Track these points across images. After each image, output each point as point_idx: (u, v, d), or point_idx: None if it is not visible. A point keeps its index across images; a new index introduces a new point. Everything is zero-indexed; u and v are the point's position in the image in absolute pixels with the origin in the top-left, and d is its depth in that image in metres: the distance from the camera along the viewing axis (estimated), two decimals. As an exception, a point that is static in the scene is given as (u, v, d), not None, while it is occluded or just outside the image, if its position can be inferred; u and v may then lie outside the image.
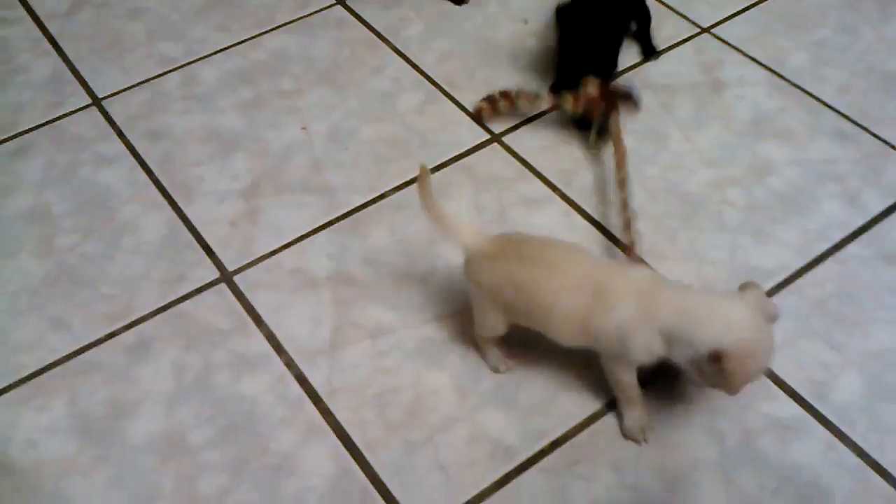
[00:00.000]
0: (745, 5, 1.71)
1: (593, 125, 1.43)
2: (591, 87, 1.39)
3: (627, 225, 1.28)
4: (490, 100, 1.49)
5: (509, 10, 1.71)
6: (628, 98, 1.40)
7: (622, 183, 1.32)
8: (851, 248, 1.32)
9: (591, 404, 1.14)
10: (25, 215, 1.37)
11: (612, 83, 1.43)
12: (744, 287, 1.02)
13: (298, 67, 1.60)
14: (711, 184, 1.40)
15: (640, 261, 1.26)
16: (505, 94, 1.48)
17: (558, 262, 1.06)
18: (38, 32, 1.67)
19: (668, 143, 1.47)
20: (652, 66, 1.59)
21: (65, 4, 1.72)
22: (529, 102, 1.47)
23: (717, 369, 0.95)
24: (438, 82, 1.57)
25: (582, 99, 1.39)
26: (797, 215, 1.36)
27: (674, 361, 1.01)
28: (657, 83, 1.56)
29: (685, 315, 0.98)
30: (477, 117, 1.51)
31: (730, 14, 1.69)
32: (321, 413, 1.13)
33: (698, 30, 1.66)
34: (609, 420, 1.13)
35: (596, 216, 1.36)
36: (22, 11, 1.71)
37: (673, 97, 1.54)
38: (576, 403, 1.14)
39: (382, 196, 1.40)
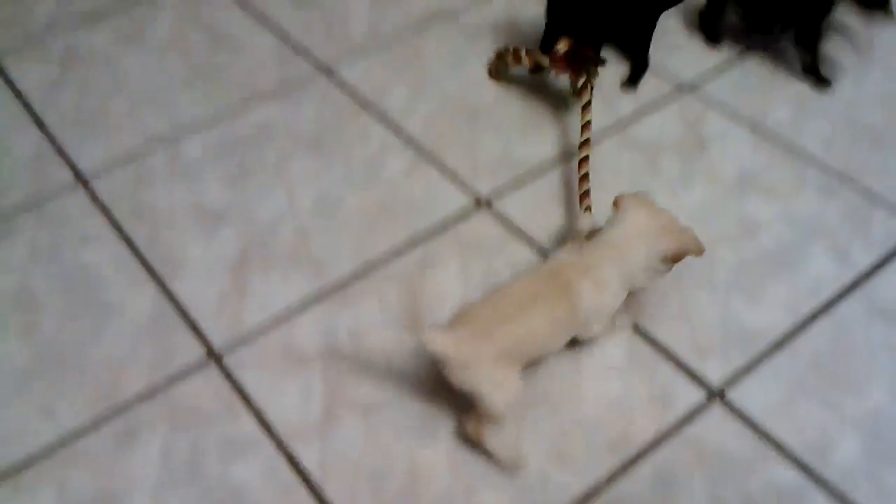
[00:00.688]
0: (725, 62, 1.72)
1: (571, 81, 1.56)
2: (561, 45, 1.50)
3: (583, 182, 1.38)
4: (499, 56, 1.64)
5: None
6: (594, 62, 1.50)
7: (583, 146, 1.42)
8: (843, 305, 1.31)
9: (586, 479, 1.13)
10: (9, 298, 1.35)
11: (584, 47, 1.51)
12: (620, 202, 1.21)
13: (283, 137, 1.60)
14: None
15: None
16: (512, 52, 1.61)
17: (523, 295, 1.13)
18: (20, 109, 1.66)
19: (656, 202, 1.46)
20: (636, 124, 1.60)
21: (49, 80, 1.72)
22: (530, 59, 1.58)
23: (672, 262, 1.20)
24: (423, 146, 1.57)
25: (552, 57, 1.51)
26: (787, 272, 1.36)
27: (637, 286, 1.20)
28: (642, 141, 1.56)
29: (628, 252, 1.18)
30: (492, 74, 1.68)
31: (711, 70, 1.70)
32: (314, 497, 1.11)
33: (680, 89, 1.67)
34: (610, 495, 1.11)
35: (586, 281, 1.35)
36: (5, 89, 1.71)
37: (658, 155, 1.54)
38: (574, 477, 1.12)
39: (371, 266, 1.39)
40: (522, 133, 1.59)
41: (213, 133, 1.61)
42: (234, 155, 1.57)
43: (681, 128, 1.59)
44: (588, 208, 1.35)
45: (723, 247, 1.39)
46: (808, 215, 1.44)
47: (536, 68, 1.59)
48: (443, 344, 1.06)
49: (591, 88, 1.49)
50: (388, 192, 1.50)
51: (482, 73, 1.71)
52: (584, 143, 1.43)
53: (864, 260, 1.37)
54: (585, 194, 1.37)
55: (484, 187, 1.50)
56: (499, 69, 1.68)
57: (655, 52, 1.70)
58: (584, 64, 1.50)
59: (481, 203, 1.48)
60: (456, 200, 1.48)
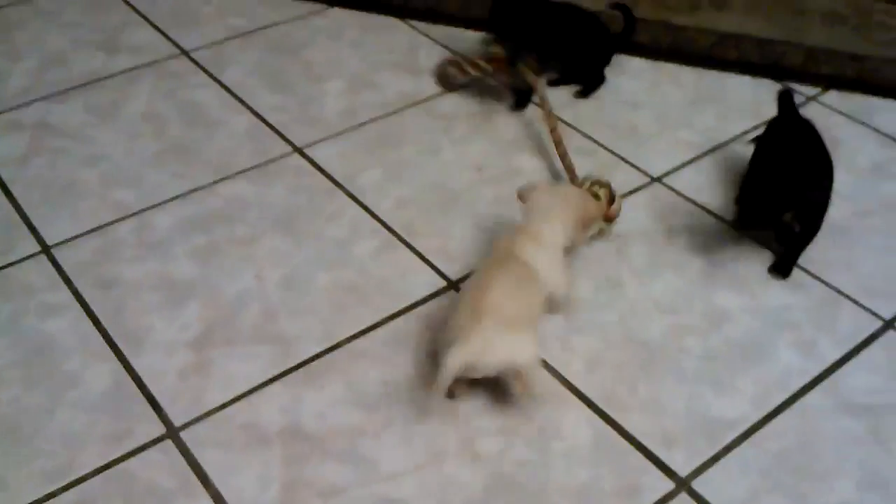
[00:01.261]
0: (693, 156, 1.76)
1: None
2: (496, 48, 1.79)
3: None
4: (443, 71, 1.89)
5: (464, 158, 1.74)
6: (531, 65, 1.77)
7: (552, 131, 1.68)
8: (810, 398, 1.31)
9: (554, 568, 1.10)
10: (-35, 369, 1.32)
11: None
12: (530, 193, 1.40)
13: (254, 214, 1.60)
14: (668, 332, 1.40)
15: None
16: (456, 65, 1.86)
17: (509, 280, 1.27)
18: (-11, 178, 1.65)
19: (625, 290, 1.47)
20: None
21: (20, 150, 1.71)
22: (476, 70, 1.84)
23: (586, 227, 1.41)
24: (395, 229, 1.58)
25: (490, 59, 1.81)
26: (754, 364, 1.36)
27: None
28: (613, 232, 1.58)
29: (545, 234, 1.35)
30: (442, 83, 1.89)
31: (678, 164, 1.74)
32: (270, 582, 1.07)
33: (649, 179, 1.70)
34: (573, 585, 1.08)
35: (556, 366, 1.34)
36: (-26, 157, 1.70)
37: (628, 245, 1.55)
38: (538, 567, 1.10)
39: (338, 345, 1.37)
40: (494, 217, 1.60)
41: (183, 208, 1.60)
42: (204, 230, 1.56)
43: (649, 218, 1.61)
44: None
45: (691, 337, 1.39)
46: (774, 308, 1.45)
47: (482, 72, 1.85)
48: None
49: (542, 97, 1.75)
50: (359, 273, 1.49)
51: (455, 158, 1.74)
52: (559, 146, 1.66)
53: (832, 354, 1.38)
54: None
55: (454, 270, 1.50)
56: (447, 80, 1.91)
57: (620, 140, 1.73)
58: (520, 66, 1.78)
59: (451, 285, 1.47)
60: (426, 282, 1.48)
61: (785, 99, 1.61)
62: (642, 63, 2.03)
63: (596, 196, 1.50)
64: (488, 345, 1.19)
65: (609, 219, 1.53)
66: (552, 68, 1.93)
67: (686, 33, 2.11)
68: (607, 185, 1.54)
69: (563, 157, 1.65)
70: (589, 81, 1.94)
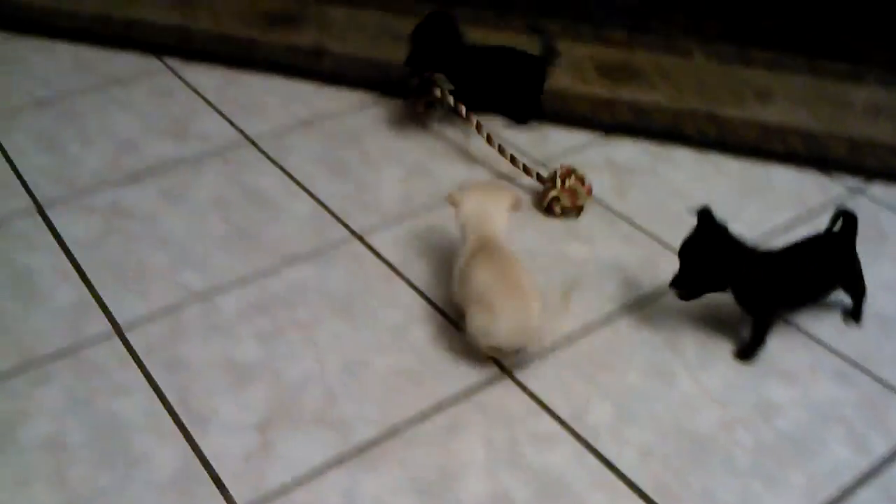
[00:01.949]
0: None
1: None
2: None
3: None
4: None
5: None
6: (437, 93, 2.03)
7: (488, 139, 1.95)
8: (862, 493, 1.33)
9: None
10: (41, 444, 1.37)
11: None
12: (453, 198, 1.61)
13: (315, 298, 1.66)
14: (719, 424, 1.43)
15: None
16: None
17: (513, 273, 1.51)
18: (64, 260, 1.73)
19: (676, 381, 1.50)
20: (655, 304, 1.66)
21: (93, 233, 1.80)
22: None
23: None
24: (449, 315, 1.63)
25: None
26: (805, 458, 1.38)
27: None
28: (663, 322, 1.61)
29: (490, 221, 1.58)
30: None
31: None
32: None
33: (698, 269, 1.74)
34: None
35: (609, 457, 1.37)
36: (50, 238, 1.79)
37: (678, 335, 1.59)
38: None
39: (396, 430, 1.41)
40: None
41: (248, 291, 1.67)
42: (268, 313, 1.62)
43: (700, 308, 1.64)
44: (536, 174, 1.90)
45: (742, 430, 1.42)
46: (824, 402, 1.47)
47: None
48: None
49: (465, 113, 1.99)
50: (414, 358, 1.54)
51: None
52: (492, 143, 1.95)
53: (882, 449, 1.39)
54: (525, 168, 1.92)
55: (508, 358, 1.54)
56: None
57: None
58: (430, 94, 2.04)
59: (505, 374, 1.52)
60: (480, 370, 1.52)
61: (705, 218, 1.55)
62: (688, 153, 2.09)
63: (575, 183, 1.83)
64: (538, 323, 1.47)
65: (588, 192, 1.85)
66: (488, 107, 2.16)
67: (731, 125, 2.17)
68: (576, 172, 1.85)
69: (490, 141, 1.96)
70: (523, 111, 2.17)
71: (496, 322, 1.45)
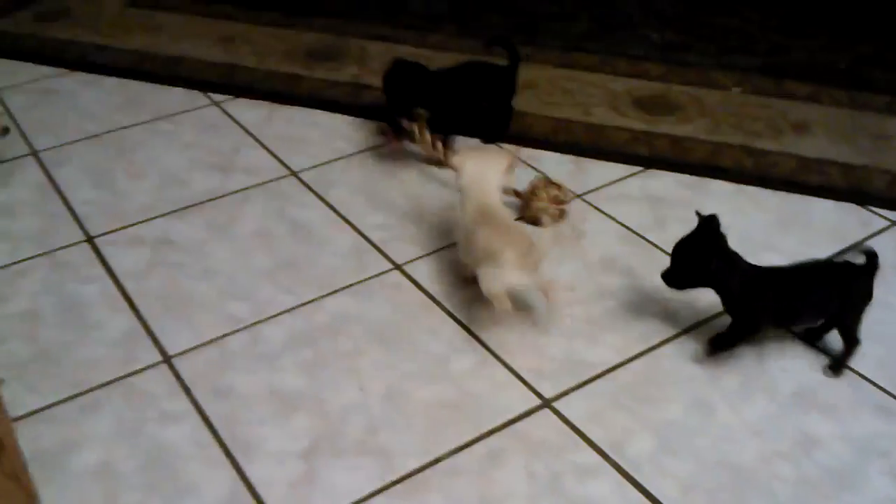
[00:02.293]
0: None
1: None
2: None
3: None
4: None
5: (556, 276, 1.81)
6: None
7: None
8: (906, 529, 1.32)
9: None
10: (92, 471, 1.41)
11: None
12: (454, 163, 1.77)
13: (357, 329, 1.69)
14: (761, 457, 1.43)
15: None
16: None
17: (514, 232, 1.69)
18: (114, 290, 1.78)
19: (717, 414, 1.51)
20: (695, 335, 1.67)
21: (142, 264, 1.85)
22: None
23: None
24: (490, 346, 1.65)
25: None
26: (847, 492, 1.37)
27: None
28: (705, 355, 1.62)
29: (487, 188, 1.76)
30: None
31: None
32: None
33: (737, 301, 1.75)
34: None
35: (651, 489, 1.38)
36: (101, 269, 1.84)
37: (719, 368, 1.60)
38: None
39: (437, 460, 1.43)
40: (586, 336, 1.67)
41: (292, 321, 1.71)
42: (311, 343, 1.66)
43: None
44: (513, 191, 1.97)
45: (783, 463, 1.42)
46: (866, 435, 1.47)
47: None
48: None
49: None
50: (455, 389, 1.56)
51: (547, 276, 1.81)
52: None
53: (925, 484, 1.39)
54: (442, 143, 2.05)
55: (547, 388, 1.56)
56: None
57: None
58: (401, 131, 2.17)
59: (545, 404, 1.53)
60: (520, 399, 1.54)
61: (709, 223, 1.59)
62: (726, 186, 2.10)
63: (555, 190, 1.94)
64: (538, 266, 1.65)
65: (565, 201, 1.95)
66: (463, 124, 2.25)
67: (769, 157, 2.18)
68: (553, 183, 1.95)
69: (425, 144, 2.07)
70: (497, 122, 2.27)
71: (503, 267, 1.60)
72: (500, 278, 1.60)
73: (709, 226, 1.53)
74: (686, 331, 1.68)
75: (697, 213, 1.56)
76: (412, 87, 2.13)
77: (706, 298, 1.64)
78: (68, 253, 1.88)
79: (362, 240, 1.93)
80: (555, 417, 1.51)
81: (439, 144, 2.08)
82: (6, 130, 2.06)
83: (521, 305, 1.68)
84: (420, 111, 2.13)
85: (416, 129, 2.10)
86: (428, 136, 2.08)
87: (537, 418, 1.51)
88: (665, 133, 2.28)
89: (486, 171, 1.76)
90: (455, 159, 1.78)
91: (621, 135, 2.27)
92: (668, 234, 1.92)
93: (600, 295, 1.77)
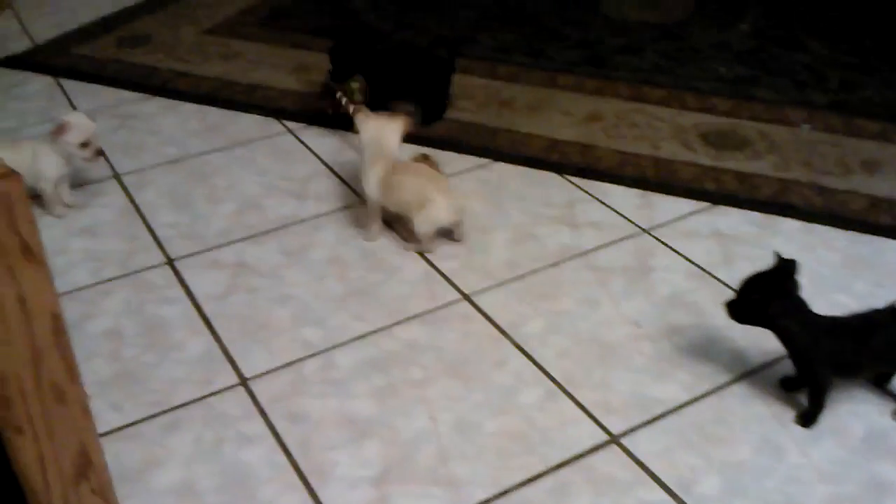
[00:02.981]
0: (850, 320, 1.80)
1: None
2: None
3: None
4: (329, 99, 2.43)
5: (622, 312, 1.84)
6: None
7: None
8: (980, 581, 1.31)
9: None
10: (173, 489, 1.47)
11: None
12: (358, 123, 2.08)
13: (427, 358, 1.73)
14: (829, 501, 1.43)
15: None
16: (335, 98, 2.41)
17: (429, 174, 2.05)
18: (194, 312, 1.85)
19: (785, 456, 1.51)
20: (765, 375, 1.67)
21: (220, 287, 1.91)
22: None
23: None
24: (557, 379, 1.68)
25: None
26: (920, 541, 1.37)
27: None
28: (772, 394, 1.63)
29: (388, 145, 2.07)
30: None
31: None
32: None
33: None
34: None
35: (716, 529, 1.39)
36: (182, 292, 1.90)
37: (787, 408, 1.60)
38: None
39: (505, 492, 1.46)
40: (654, 373, 1.68)
41: (363, 348, 1.75)
42: (383, 371, 1.70)
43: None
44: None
45: (853, 508, 1.42)
46: (938, 483, 1.46)
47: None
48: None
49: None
50: (524, 421, 1.59)
51: (613, 312, 1.83)
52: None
53: None
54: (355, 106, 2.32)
55: (615, 424, 1.58)
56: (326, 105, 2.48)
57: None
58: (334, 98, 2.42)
59: (612, 440, 1.55)
60: (588, 434, 1.56)
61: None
62: (794, 224, 2.10)
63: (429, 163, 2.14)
64: (457, 202, 1.99)
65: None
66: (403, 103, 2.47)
67: (838, 197, 2.18)
68: (427, 157, 2.17)
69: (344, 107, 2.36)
70: (431, 107, 2.50)
71: (436, 208, 1.95)
72: (435, 220, 1.96)
73: (782, 269, 1.54)
74: (754, 370, 1.69)
75: (776, 255, 1.56)
76: (353, 58, 2.42)
77: (775, 338, 1.64)
78: (150, 274, 1.96)
79: (431, 269, 1.97)
80: (622, 453, 1.53)
81: (351, 106, 2.36)
82: (100, 153, 2.15)
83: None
84: (350, 83, 2.43)
85: (343, 98, 2.41)
86: (350, 104, 2.37)
87: (605, 453, 1.53)
88: (733, 169, 2.28)
89: (385, 129, 2.04)
90: (358, 117, 2.07)
91: (689, 170, 2.29)
92: (736, 271, 1.93)
93: (668, 331, 1.78)
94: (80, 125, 2.09)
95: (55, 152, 2.09)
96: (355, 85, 2.44)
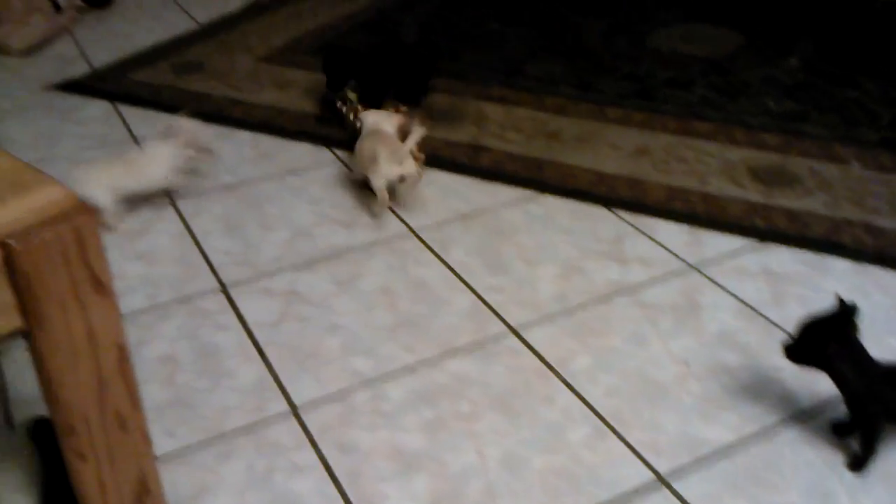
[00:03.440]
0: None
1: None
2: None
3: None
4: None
5: (670, 350, 1.84)
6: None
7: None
8: None
9: None
10: (225, 517, 1.50)
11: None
12: (361, 117, 2.44)
13: (475, 392, 1.74)
14: (882, 551, 1.42)
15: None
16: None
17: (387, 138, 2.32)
18: (246, 339, 1.88)
19: (836, 502, 1.50)
20: (815, 420, 1.66)
21: (272, 315, 1.95)
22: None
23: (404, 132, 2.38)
24: (605, 417, 1.68)
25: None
26: None
27: None
28: (823, 439, 1.62)
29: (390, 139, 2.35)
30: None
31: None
32: None
33: (857, 386, 1.74)
34: None
35: (766, 575, 1.38)
36: (234, 319, 1.94)
37: (838, 455, 1.59)
38: None
39: (553, 530, 1.46)
40: (703, 413, 1.68)
41: (413, 380, 1.77)
42: (431, 403, 1.71)
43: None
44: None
45: (906, 558, 1.40)
46: None
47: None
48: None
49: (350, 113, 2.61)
50: (571, 459, 1.60)
51: (662, 349, 1.84)
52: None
53: None
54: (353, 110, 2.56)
55: (663, 464, 1.58)
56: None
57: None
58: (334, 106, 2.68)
59: (660, 480, 1.55)
60: (636, 474, 1.56)
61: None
62: (845, 264, 2.09)
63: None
64: (406, 160, 2.21)
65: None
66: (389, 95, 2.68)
67: (889, 236, 2.16)
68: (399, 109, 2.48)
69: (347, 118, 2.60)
70: (415, 95, 2.75)
71: (382, 163, 2.18)
72: (382, 174, 2.18)
73: (841, 312, 1.53)
74: (804, 413, 1.68)
75: (837, 297, 1.55)
76: (344, 67, 2.67)
77: (826, 381, 1.64)
78: (204, 300, 2.00)
79: (479, 301, 1.99)
80: (670, 494, 1.52)
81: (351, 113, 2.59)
82: (206, 151, 2.43)
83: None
84: (347, 93, 2.64)
85: (343, 108, 2.63)
86: (351, 114, 2.59)
87: (652, 493, 1.53)
88: (783, 206, 2.28)
89: (383, 119, 2.34)
90: (361, 113, 2.39)
91: (738, 206, 2.28)
92: (786, 311, 1.93)
93: (717, 371, 1.78)
94: (188, 129, 2.36)
95: (166, 154, 2.30)
96: (353, 95, 2.64)
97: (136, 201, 2.30)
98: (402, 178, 2.22)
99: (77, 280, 1.01)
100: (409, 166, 2.22)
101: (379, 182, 2.19)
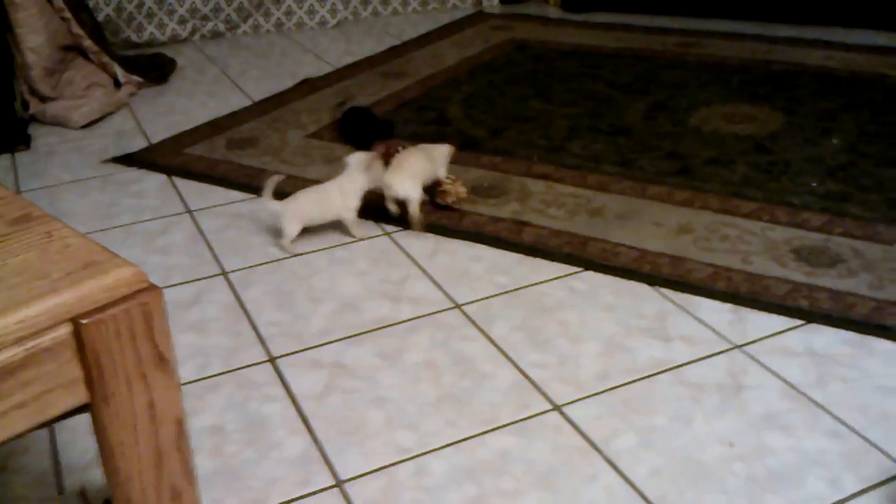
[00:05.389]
0: (952, 450, 1.76)
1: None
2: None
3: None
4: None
5: (715, 431, 1.83)
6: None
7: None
8: None
9: None
10: (270, 589, 1.51)
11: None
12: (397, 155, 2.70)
13: (518, 468, 1.75)
14: None
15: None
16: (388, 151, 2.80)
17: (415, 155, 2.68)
18: (293, 411, 1.92)
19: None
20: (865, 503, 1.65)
21: (318, 387, 1.98)
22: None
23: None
24: (650, 498, 1.68)
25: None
26: None
27: None
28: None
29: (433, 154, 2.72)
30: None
31: (936, 457, 1.75)
32: None
33: (905, 471, 1.72)
34: None
35: None
36: (281, 390, 1.98)
37: (885, 541, 1.57)
38: None
39: None
40: (747, 496, 1.67)
41: (455, 456, 1.79)
42: (474, 479, 1.73)
43: (908, 514, 1.62)
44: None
45: None
46: None
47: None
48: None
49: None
50: (615, 538, 1.59)
51: (706, 429, 1.83)
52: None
53: None
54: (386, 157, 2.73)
55: None
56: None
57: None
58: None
59: (705, 563, 1.54)
60: (680, 557, 1.55)
61: None
62: (890, 346, 2.08)
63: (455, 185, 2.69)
64: (400, 182, 2.52)
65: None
66: None
67: (937, 318, 2.14)
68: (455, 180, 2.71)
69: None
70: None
71: (388, 179, 2.52)
72: (391, 189, 2.54)
73: None
74: (850, 497, 1.66)
75: None
76: (354, 125, 3.17)
77: (873, 461, 1.63)
78: (252, 372, 2.04)
79: (522, 377, 2.01)
80: (715, 578, 1.51)
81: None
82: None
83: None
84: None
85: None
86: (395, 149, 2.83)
87: (697, 578, 1.52)
88: (826, 286, 2.28)
89: (433, 148, 2.68)
90: (401, 149, 2.70)
91: (781, 286, 2.29)
92: (831, 392, 1.92)
93: (762, 452, 1.77)
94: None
95: (357, 185, 2.57)
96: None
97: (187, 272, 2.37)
98: (400, 199, 2.56)
99: (142, 356, 1.06)
100: (411, 190, 2.53)
101: (389, 193, 2.58)
